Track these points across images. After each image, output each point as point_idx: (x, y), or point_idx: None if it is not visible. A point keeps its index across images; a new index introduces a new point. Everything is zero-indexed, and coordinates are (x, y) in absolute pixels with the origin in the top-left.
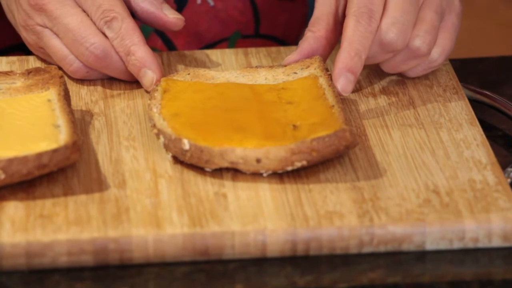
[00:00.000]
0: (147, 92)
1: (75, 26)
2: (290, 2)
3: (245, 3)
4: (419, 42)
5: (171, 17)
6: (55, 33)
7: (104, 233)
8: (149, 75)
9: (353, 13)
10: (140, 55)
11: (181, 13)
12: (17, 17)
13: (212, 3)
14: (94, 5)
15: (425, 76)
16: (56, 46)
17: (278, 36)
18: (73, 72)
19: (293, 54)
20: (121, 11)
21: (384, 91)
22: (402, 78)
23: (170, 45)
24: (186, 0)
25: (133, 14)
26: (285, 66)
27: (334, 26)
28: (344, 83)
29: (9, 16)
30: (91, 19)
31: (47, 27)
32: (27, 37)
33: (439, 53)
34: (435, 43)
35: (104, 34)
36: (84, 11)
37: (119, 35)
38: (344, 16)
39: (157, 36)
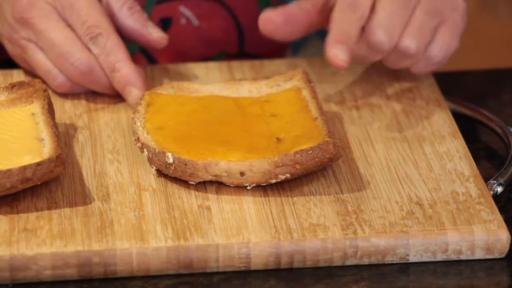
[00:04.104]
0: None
1: (60, 41)
2: None
3: (230, 23)
4: (407, 42)
5: (155, 35)
6: (39, 48)
7: (88, 246)
8: (134, 93)
9: (339, 4)
10: (125, 72)
11: (165, 32)
12: (2, 30)
13: (196, 23)
14: (79, 21)
15: (408, 89)
16: (40, 60)
17: (262, 55)
18: (57, 87)
19: (274, 11)
20: (106, 27)
21: (367, 104)
22: (385, 91)
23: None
24: (170, 19)
25: (118, 30)
26: (268, 78)
27: (321, 9)
28: (338, 52)
29: None
30: (76, 35)
31: (31, 41)
32: (12, 50)
33: (438, 50)
34: (427, 43)
35: (89, 49)
36: (69, 26)
37: (104, 52)
38: (331, 9)
39: (141, 55)
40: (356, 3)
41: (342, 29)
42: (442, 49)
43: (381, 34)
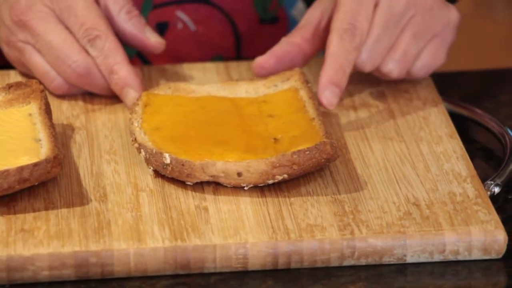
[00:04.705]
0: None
1: (58, 44)
2: (271, 26)
3: (227, 27)
4: (389, 67)
5: (152, 40)
6: (37, 50)
7: (86, 247)
8: (131, 95)
9: (337, 29)
10: (123, 74)
11: (162, 37)
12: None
13: (193, 28)
14: (77, 23)
15: (405, 89)
16: (38, 62)
17: None
18: (54, 89)
19: (264, 55)
20: (104, 29)
21: (365, 104)
22: (382, 91)
23: None
24: (167, 24)
25: (116, 34)
26: (265, 78)
27: (312, 37)
28: (329, 96)
29: None
30: (74, 37)
31: (29, 44)
32: (9, 53)
33: (420, 67)
34: (409, 66)
35: (87, 51)
36: (67, 28)
37: (102, 54)
38: (326, 30)
39: (138, 59)
40: (355, 29)
41: (337, 64)
42: (424, 66)
43: (364, 57)
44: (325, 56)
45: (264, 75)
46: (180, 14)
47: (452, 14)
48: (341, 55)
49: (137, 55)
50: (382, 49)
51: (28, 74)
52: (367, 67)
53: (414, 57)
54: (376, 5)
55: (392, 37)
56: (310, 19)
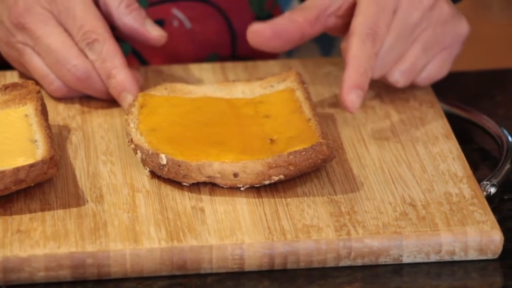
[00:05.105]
0: None
1: (57, 47)
2: None
3: (222, 25)
4: (395, 77)
5: (153, 33)
6: (36, 52)
7: (82, 247)
8: (129, 99)
9: (358, 34)
10: (120, 78)
11: None
12: None
13: (189, 26)
14: (76, 26)
15: (402, 90)
16: (37, 65)
17: (255, 57)
18: (53, 91)
19: (262, 24)
20: (102, 32)
21: (361, 105)
22: (379, 92)
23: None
24: (163, 22)
25: (116, 29)
26: (262, 79)
27: (314, 20)
28: (354, 99)
29: None
30: (73, 39)
31: (28, 45)
32: (8, 53)
33: (424, 76)
34: (415, 76)
35: (85, 54)
36: (66, 31)
37: (100, 58)
38: (330, 17)
39: (133, 57)
40: (376, 34)
41: (361, 67)
42: (428, 77)
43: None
44: (348, 59)
45: (256, 44)
46: (176, 11)
47: (463, 27)
48: (364, 58)
49: (133, 53)
50: (392, 59)
51: (24, 74)
52: (375, 74)
53: (421, 68)
54: (394, 12)
55: (404, 47)
56: (318, 1)
